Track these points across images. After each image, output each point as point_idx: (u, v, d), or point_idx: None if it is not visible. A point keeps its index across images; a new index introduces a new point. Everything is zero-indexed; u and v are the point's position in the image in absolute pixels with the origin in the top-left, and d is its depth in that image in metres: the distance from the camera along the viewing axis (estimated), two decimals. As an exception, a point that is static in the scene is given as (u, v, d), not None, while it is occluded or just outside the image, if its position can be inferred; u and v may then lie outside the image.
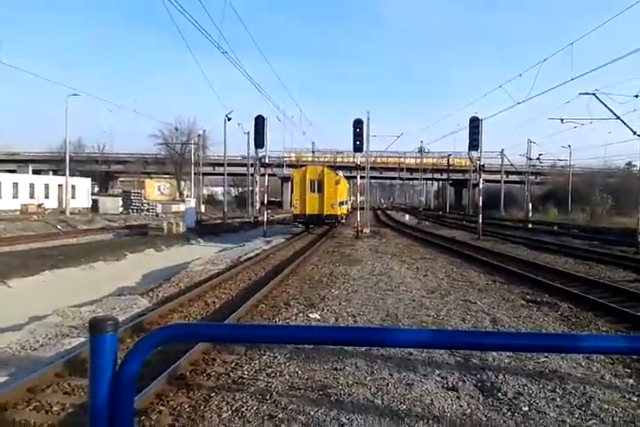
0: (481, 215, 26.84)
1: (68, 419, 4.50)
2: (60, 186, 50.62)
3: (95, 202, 53.56)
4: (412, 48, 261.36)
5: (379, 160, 66.85)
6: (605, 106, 24.25)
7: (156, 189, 77.41)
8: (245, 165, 52.17)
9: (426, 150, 64.18)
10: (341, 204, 35.02)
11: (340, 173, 39.69)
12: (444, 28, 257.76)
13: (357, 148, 26.19)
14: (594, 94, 24.74)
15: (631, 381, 5.39)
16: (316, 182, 32.31)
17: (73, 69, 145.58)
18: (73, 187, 50.45)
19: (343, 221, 37.14)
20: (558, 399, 4.83)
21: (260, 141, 27.64)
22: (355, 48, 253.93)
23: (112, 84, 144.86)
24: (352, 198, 46.59)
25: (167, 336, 1.72)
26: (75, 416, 4.50)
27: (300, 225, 32.83)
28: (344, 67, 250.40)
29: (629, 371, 5.70)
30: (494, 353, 6.05)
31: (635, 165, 68.07)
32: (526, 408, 4.61)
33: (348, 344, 4.91)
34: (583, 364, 5.87)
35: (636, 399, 4.87)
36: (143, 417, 4.40)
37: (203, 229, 31.69)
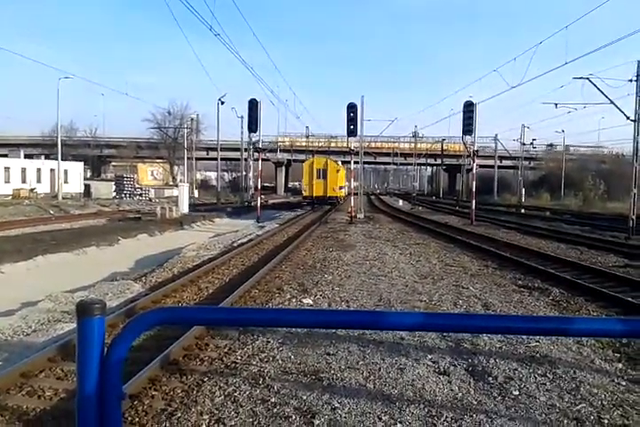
0: (474, 201, 26.89)
1: (60, 404, 4.51)
2: (52, 170, 50.27)
3: (88, 187, 53.31)
4: (407, 32, 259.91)
5: (373, 145, 66.65)
6: (599, 90, 24.17)
7: (149, 174, 77.03)
8: (239, 150, 51.93)
9: (420, 135, 64.04)
10: (341, 188, 43.99)
11: (339, 162, 44.76)
12: (440, 11, 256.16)
13: (351, 132, 26.06)
14: (588, 79, 24.66)
15: (620, 365, 5.45)
16: (321, 171, 41.30)
17: (64, 52, 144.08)
18: (65, 171, 50.10)
19: (342, 201, 44.46)
20: (548, 384, 4.87)
21: (253, 126, 27.46)
22: (350, 31, 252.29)
23: (104, 67, 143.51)
24: (347, 184, 47.64)
25: (155, 320, 1.71)
26: (67, 401, 4.52)
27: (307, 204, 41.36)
28: (338, 50, 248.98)
29: (619, 355, 5.76)
30: (485, 338, 6.10)
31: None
32: (517, 392, 4.65)
33: (340, 327, 4.94)
34: (574, 348, 5.92)
35: (624, 384, 4.92)
36: (136, 402, 4.42)
37: (196, 215, 31.62)
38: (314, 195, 41.08)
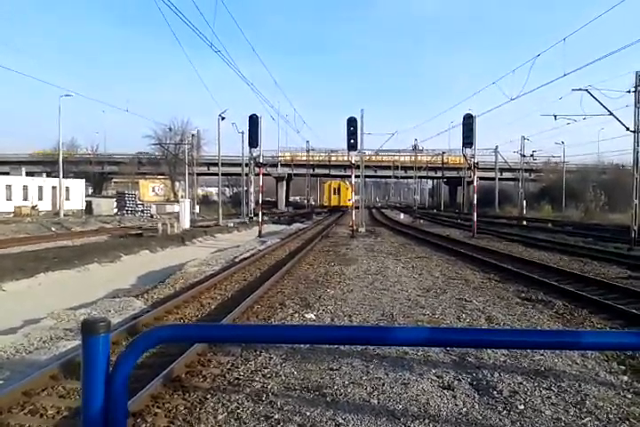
0: (475, 213, 26.89)
1: (62, 422, 4.49)
2: (53, 188, 50.42)
3: (89, 203, 53.42)
4: (406, 46, 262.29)
5: (373, 158, 66.94)
6: (598, 102, 24.29)
7: (150, 190, 77.16)
8: (240, 165, 52.10)
9: (420, 148, 64.17)
10: (349, 200, 54.31)
11: (347, 181, 58.07)
12: (439, 25, 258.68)
13: (351, 146, 26.18)
14: (586, 90, 24.78)
15: (625, 378, 5.41)
16: (336, 189, 65.32)
17: (64, 70, 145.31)
18: (67, 188, 50.24)
19: (350, 210, 54.25)
20: (553, 397, 4.84)
21: (254, 141, 27.58)
22: (349, 46, 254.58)
23: (104, 85, 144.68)
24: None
25: (160, 337, 1.72)
26: (69, 419, 4.49)
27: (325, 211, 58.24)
28: (337, 65, 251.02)
29: (624, 368, 5.72)
30: (490, 351, 6.07)
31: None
32: (522, 407, 4.62)
33: (344, 343, 4.93)
34: (578, 361, 5.89)
35: (630, 396, 4.88)
36: (139, 420, 4.39)
37: (197, 230, 31.63)
38: (331, 205, 64.33)
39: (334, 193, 64.92)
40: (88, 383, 1.57)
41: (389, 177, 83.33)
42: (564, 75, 22.75)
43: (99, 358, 1.57)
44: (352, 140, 25.84)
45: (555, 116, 35.74)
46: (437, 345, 5.21)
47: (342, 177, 75.29)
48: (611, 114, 24.28)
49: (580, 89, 25.26)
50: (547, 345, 2.19)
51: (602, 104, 24.26)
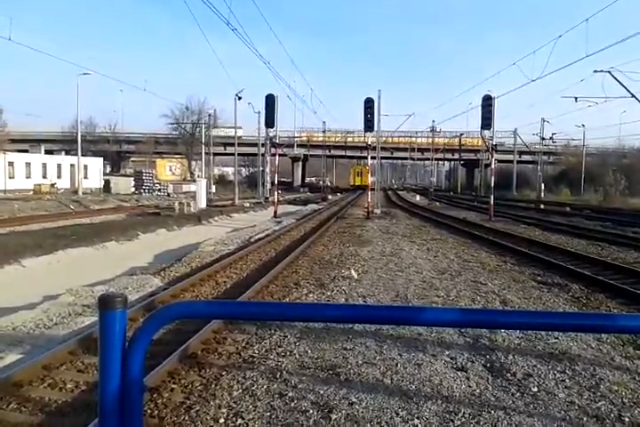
0: (492, 196, 26.65)
1: (81, 396, 4.58)
2: (72, 166, 50.85)
3: (107, 182, 53.75)
4: (425, 26, 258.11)
5: (390, 140, 66.40)
6: (620, 84, 23.85)
7: (167, 169, 77.47)
8: (256, 145, 52.07)
9: (437, 130, 63.58)
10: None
11: (367, 166, 58.36)
12: (458, 4, 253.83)
13: (368, 127, 25.98)
14: (609, 72, 24.29)
15: (641, 362, 5.37)
16: (360, 172, 79.24)
17: (83, 48, 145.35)
18: (85, 167, 50.62)
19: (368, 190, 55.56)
20: (568, 381, 4.83)
21: (270, 121, 27.46)
22: (367, 26, 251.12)
23: (122, 63, 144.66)
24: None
25: (176, 313, 1.73)
26: (88, 393, 4.58)
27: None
28: (356, 45, 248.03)
29: (640, 352, 5.68)
30: (504, 334, 6.06)
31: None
32: (535, 389, 4.62)
33: (359, 322, 4.95)
34: (593, 345, 5.86)
35: (645, 381, 4.86)
36: (155, 395, 4.47)
37: (214, 210, 31.80)
38: (355, 184, 79.28)
39: (358, 175, 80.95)
40: (105, 358, 1.58)
41: (406, 159, 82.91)
42: (586, 56, 22.32)
43: (115, 333, 1.58)
44: (369, 122, 25.64)
45: (576, 99, 35.18)
46: (464, 326, 5.22)
47: (358, 158, 76.81)
48: (633, 96, 23.81)
49: (602, 71, 24.77)
50: (562, 327, 2.16)
51: (624, 86, 23.83)
